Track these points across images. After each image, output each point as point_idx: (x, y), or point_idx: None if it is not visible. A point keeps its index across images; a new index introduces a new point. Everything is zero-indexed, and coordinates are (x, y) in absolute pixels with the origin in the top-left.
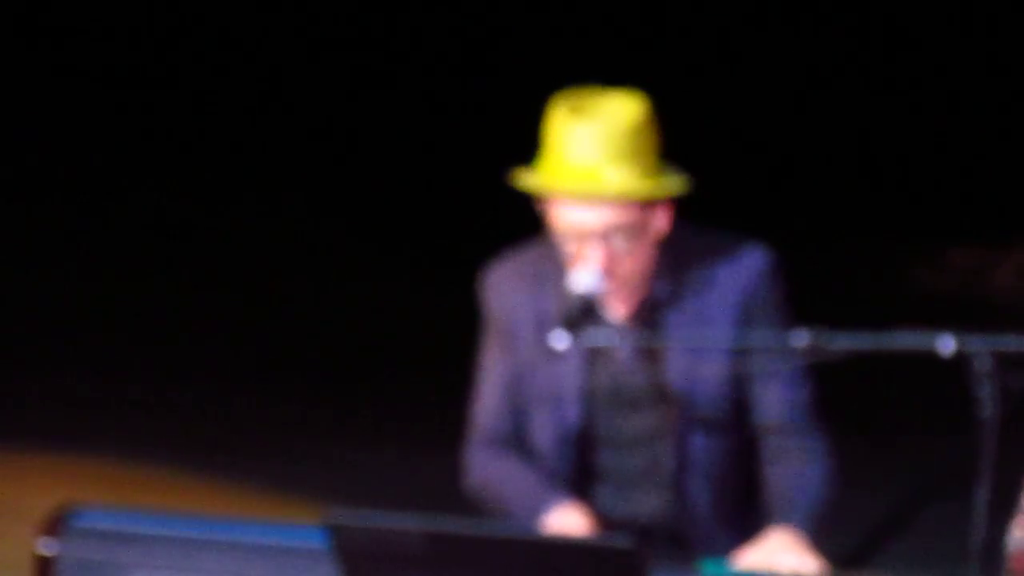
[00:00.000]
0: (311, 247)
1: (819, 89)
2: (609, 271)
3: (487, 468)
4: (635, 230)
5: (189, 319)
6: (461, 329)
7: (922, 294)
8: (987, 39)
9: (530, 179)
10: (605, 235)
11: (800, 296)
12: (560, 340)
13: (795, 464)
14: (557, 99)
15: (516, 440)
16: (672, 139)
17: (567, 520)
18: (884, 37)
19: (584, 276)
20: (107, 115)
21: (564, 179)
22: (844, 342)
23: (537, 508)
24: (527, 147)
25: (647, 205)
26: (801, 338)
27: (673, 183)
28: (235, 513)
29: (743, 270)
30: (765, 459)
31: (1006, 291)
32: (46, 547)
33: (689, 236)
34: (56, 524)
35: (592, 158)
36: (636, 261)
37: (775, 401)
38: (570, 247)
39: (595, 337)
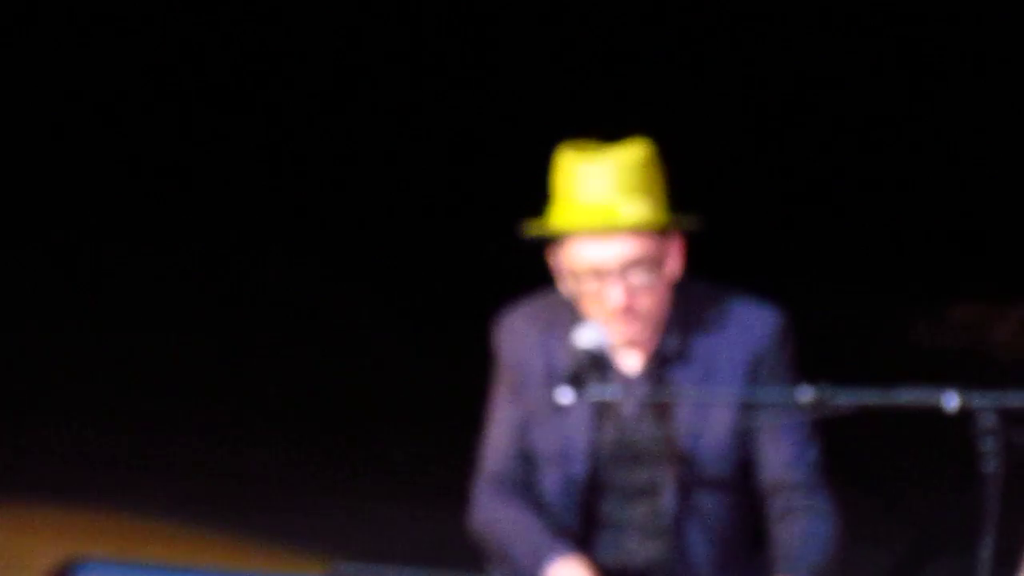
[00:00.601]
0: (318, 302)
1: (817, 140)
2: (630, 309)
3: (492, 510)
4: (652, 264)
5: (195, 373)
6: (468, 384)
7: (923, 349)
8: (989, 93)
9: (544, 224)
10: (623, 270)
11: (801, 350)
12: (566, 396)
13: (801, 521)
14: (562, 147)
15: (522, 484)
16: (672, 189)
17: (569, 573)
18: (882, 89)
19: (589, 331)
20: (103, 160)
21: (579, 217)
22: (848, 397)
23: (539, 558)
24: (530, 205)
25: (662, 239)
26: (806, 394)
27: (685, 218)
28: (239, 566)
29: (754, 330)
30: (771, 517)
31: (1007, 347)
32: None
33: (701, 291)
34: None
35: (605, 194)
36: (655, 299)
37: (782, 460)
38: (588, 286)
39: (601, 392)
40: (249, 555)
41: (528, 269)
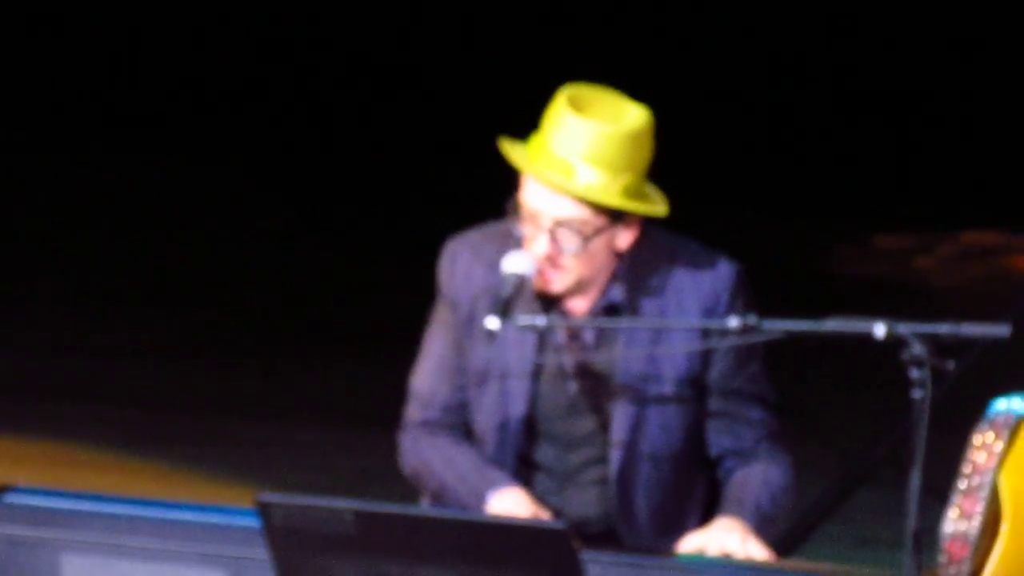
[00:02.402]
0: (249, 217)
1: (747, 67)
2: (551, 263)
3: (424, 450)
4: (588, 234)
5: (124, 296)
6: (407, 304)
7: (849, 279)
8: (916, 19)
9: (511, 151)
10: (556, 227)
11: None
12: (493, 322)
13: (758, 467)
14: (566, 87)
15: (455, 425)
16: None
17: (509, 503)
18: (813, 20)
19: (517, 258)
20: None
21: (538, 162)
22: (777, 325)
23: (477, 491)
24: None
25: (611, 217)
26: (734, 321)
27: (642, 204)
28: (168, 494)
29: (706, 282)
30: (724, 470)
31: (933, 276)
32: None
33: (652, 242)
34: None
35: (570, 151)
36: (581, 266)
37: (739, 428)
38: (525, 229)
39: (528, 320)
40: (176, 484)
41: (489, 194)
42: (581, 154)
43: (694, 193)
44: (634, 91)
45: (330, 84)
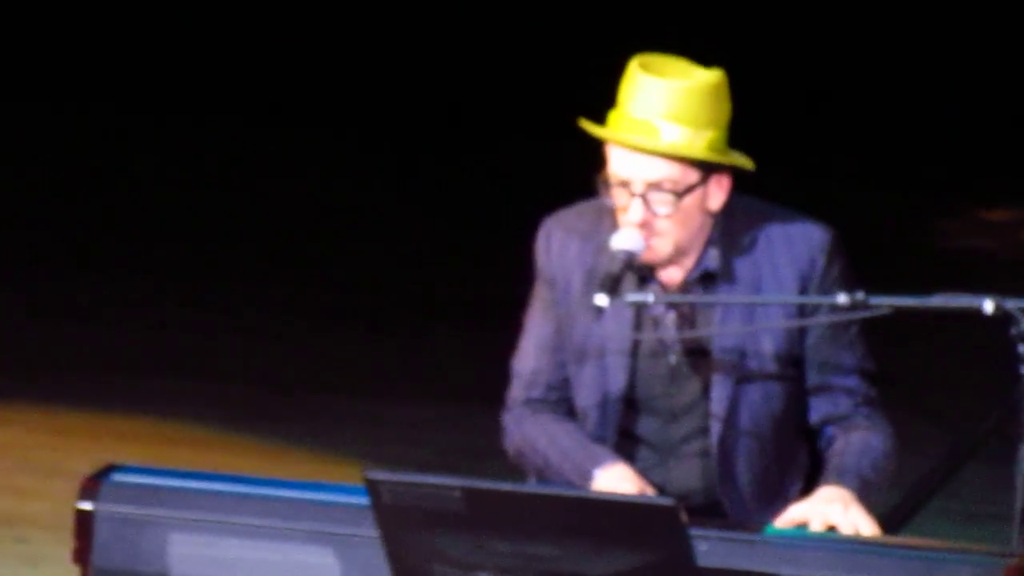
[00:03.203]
0: (352, 202)
1: (850, 43)
2: (647, 226)
3: (528, 429)
4: (680, 191)
5: (229, 272)
6: (508, 284)
7: (955, 252)
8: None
9: (592, 127)
10: (647, 190)
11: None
12: (601, 299)
13: (858, 435)
14: (635, 57)
15: (556, 402)
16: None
17: (615, 479)
18: None
19: (626, 235)
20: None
21: (620, 128)
22: (884, 301)
23: (582, 468)
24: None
25: (701, 172)
26: (842, 299)
27: (729, 157)
28: (274, 472)
29: (801, 248)
30: (824, 439)
31: None
32: (86, 506)
33: (747, 209)
34: (95, 483)
35: (652, 112)
36: (678, 224)
37: (838, 396)
38: (618, 197)
39: (637, 299)
40: (283, 461)
41: (583, 173)
42: (662, 113)
43: (796, 167)
44: (730, 67)
45: (435, 55)
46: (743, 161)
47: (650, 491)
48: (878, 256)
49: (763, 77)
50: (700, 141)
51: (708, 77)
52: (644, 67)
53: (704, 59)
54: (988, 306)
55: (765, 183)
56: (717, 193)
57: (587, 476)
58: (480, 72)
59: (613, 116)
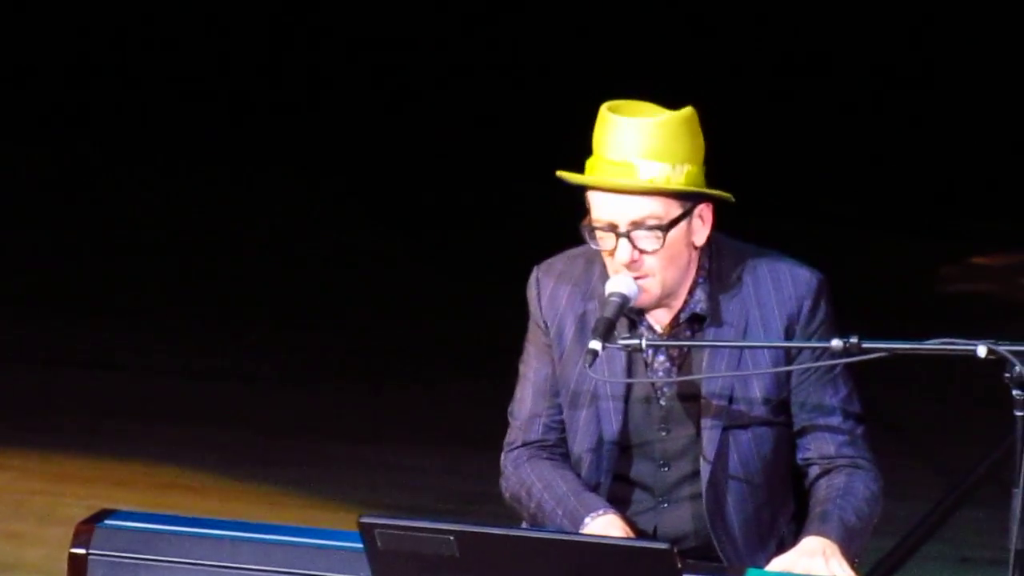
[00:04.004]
0: (347, 245)
1: (844, 85)
2: (637, 270)
3: (524, 474)
4: (664, 227)
5: (227, 319)
6: (504, 328)
7: (952, 298)
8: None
9: (570, 176)
10: (632, 228)
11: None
12: (596, 344)
13: (840, 479)
14: (606, 103)
15: (552, 447)
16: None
17: (604, 528)
18: (907, 30)
19: (620, 280)
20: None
21: (598, 172)
22: (879, 344)
23: (574, 514)
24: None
25: (683, 206)
26: (836, 342)
27: (709, 189)
28: (269, 518)
29: (789, 292)
30: (809, 480)
31: None
32: (79, 551)
33: (735, 252)
34: (89, 529)
35: (628, 152)
36: (666, 261)
37: (823, 437)
38: (604, 241)
39: (630, 343)
40: (279, 507)
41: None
42: (639, 152)
43: (794, 213)
44: (728, 113)
45: (427, 97)
46: (722, 193)
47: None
48: (875, 301)
49: (758, 120)
50: (679, 175)
51: (680, 113)
52: (615, 110)
53: (693, 101)
54: (982, 350)
55: (759, 226)
56: (700, 227)
57: (579, 522)
58: (481, 116)
59: (590, 163)
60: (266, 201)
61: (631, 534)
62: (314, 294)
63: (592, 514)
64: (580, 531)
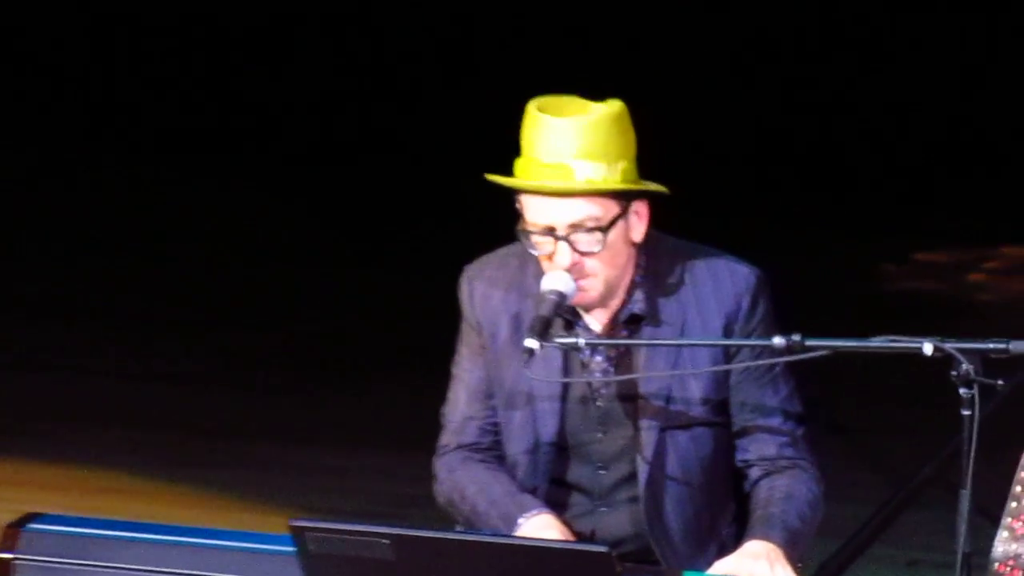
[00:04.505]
0: (281, 239)
1: (778, 82)
2: (578, 272)
3: (458, 477)
4: (604, 227)
5: (158, 320)
6: (439, 327)
7: (895, 296)
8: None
9: (501, 179)
10: (573, 231)
11: (777, 300)
12: (532, 343)
13: (781, 480)
14: (531, 102)
15: (487, 449)
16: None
17: (539, 529)
18: (844, 24)
19: (556, 277)
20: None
21: (532, 175)
22: (822, 343)
23: (508, 516)
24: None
25: (621, 203)
26: (779, 341)
27: (646, 185)
28: (200, 521)
29: (727, 289)
30: (749, 479)
31: (981, 291)
32: (5, 555)
33: (671, 249)
34: (15, 532)
35: (562, 153)
36: (607, 262)
37: (763, 438)
38: (541, 245)
39: (568, 341)
40: (210, 510)
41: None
42: (572, 152)
43: (732, 212)
44: (685, 111)
45: (361, 97)
46: (659, 187)
47: (572, 539)
48: (817, 299)
49: (692, 113)
50: (615, 173)
51: (611, 109)
52: (543, 109)
53: (622, 94)
54: (928, 348)
55: (697, 224)
56: (637, 223)
57: (513, 524)
58: (432, 118)
59: (521, 164)
60: (201, 198)
61: (567, 534)
62: (248, 293)
63: (526, 515)
64: (514, 533)
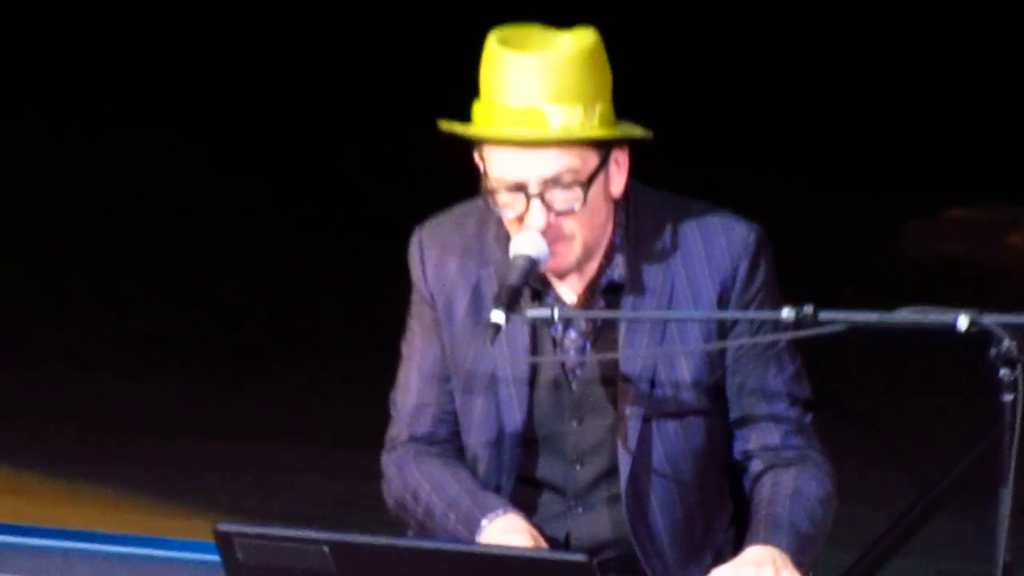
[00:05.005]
0: (213, 209)
1: (794, 24)
2: (553, 234)
3: (409, 474)
4: (583, 182)
5: (60, 295)
6: (395, 312)
7: (922, 259)
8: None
9: (460, 127)
10: (546, 188)
11: (781, 269)
12: (499, 315)
13: (785, 476)
14: (492, 34)
15: (446, 440)
16: (629, 85)
17: (504, 532)
18: None
19: (527, 239)
20: None
21: (498, 123)
22: (837, 316)
23: (469, 518)
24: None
25: (599, 154)
26: (786, 313)
27: (630, 129)
28: (110, 526)
29: (721, 251)
30: (749, 475)
31: (1019, 255)
32: None
33: (656, 206)
34: None
35: (531, 97)
36: (587, 221)
37: (764, 405)
38: (506, 207)
39: (540, 314)
40: (120, 512)
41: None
42: (544, 96)
43: (724, 161)
44: (663, 39)
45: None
46: (639, 131)
47: (543, 544)
48: (829, 264)
49: (682, 48)
50: (593, 118)
51: (585, 42)
52: (507, 43)
53: (599, 21)
54: (962, 322)
55: (682, 175)
56: (617, 175)
57: (475, 527)
58: (370, 55)
59: (482, 110)
60: (111, 166)
61: (538, 538)
62: (162, 267)
63: (489, 516)
64: (477, 538)
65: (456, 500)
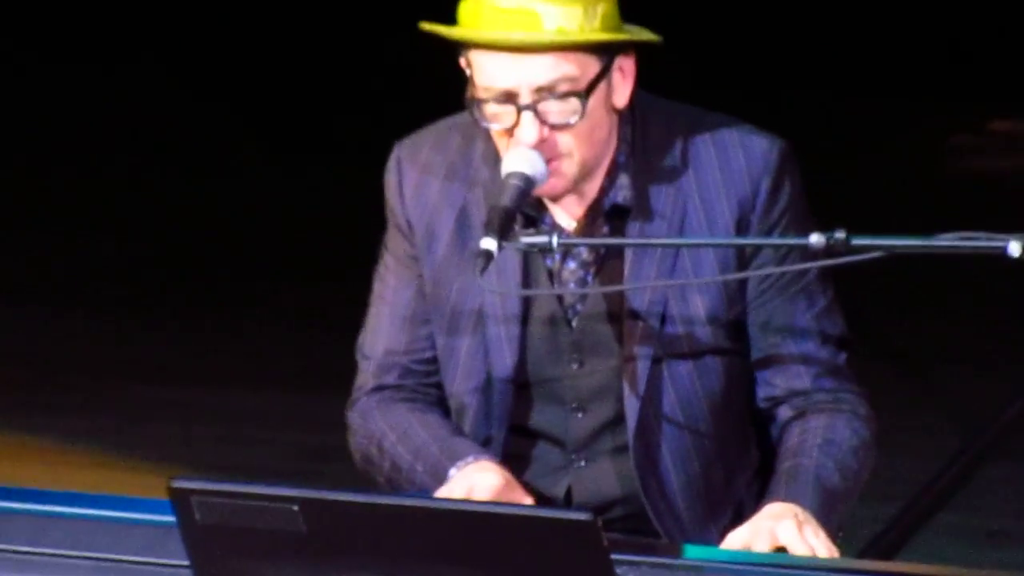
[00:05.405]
0: (173, 133)
1: None
2: (547, 151)
3: (372, 425)
4: (582, 91)
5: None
6: (361, 234)
7: (969, 175)
8: None
9: (445, 30)
10: (539, 98)
11: (812, 188)
12: (490, 242)
13: (819, 422)
14: None
15: (417, 389)
16: None
17: (479, 480)
18: None
19: (521, 156)
20: None
21: (486, 25)
22: (872, 242)
23: (436, 469)
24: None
25: (600, 60)
26: (817, 239)
27: (634, 33)
28: (49, 483)
29: (742, 169)
30: (777, 425)
31: None
32: None
33: (666, 119)
34: None
35: None
36: (584, 140)
37: (792, 343)
38: (494, 119)
39: (537, 241)
40: (60, 465)
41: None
42: None
43: (745, 70)
44: None
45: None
46: (647, 35)
47: (525, 497)
48: (864, 183)
49: None
50: (593, 20)
51: None
52: None
53: None
54: (1015, 248)
55: (698, 85)
56: (622, 85)
57: (443, 479)
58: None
59: (468, 10)
60: (64, 89)
61: (517, 489)
62: (107, 191)
63: (459, 464)
64: (447, 485)
65: (423, 448)
